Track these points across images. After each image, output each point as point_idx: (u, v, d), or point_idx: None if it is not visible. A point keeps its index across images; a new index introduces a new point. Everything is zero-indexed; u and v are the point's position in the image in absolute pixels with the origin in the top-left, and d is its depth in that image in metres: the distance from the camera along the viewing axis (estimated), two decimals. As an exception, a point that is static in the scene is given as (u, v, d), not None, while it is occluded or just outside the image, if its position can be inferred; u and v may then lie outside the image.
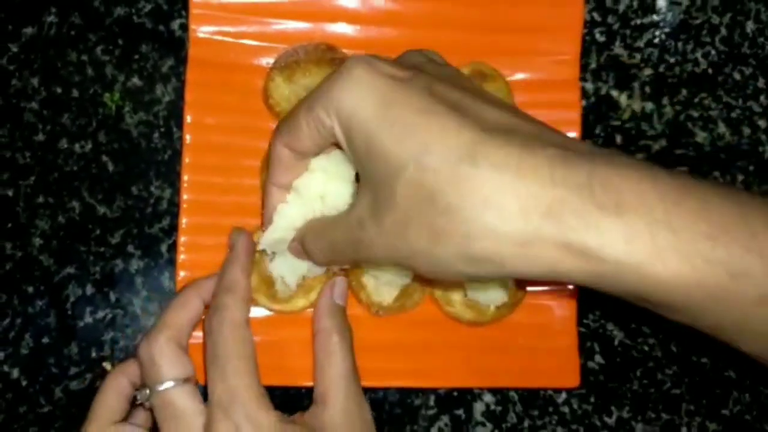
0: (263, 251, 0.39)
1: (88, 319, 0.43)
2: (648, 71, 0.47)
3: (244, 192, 0.42)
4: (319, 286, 0.40)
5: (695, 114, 0.47)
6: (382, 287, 0.42)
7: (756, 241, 0.26)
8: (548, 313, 0.44)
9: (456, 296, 0.42)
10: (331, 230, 0.34)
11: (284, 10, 0.43)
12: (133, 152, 0.44)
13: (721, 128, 0.48)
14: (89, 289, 0.43)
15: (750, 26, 0.48)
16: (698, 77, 0.48)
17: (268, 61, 0.43)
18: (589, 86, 0.47)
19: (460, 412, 0.45)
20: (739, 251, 0.26)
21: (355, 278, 0.41)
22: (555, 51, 0.45)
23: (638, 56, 0.47)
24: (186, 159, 0.42)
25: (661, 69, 0.47)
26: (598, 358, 0.46)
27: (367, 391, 0.39)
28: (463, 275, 0.29)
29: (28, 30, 0.44)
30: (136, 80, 0.44)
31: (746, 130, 0.48)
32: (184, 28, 0.44)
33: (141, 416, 0.39)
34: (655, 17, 0.48)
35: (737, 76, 0.48)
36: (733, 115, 0.48)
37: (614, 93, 0.47)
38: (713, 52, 0.48)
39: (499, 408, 0.45)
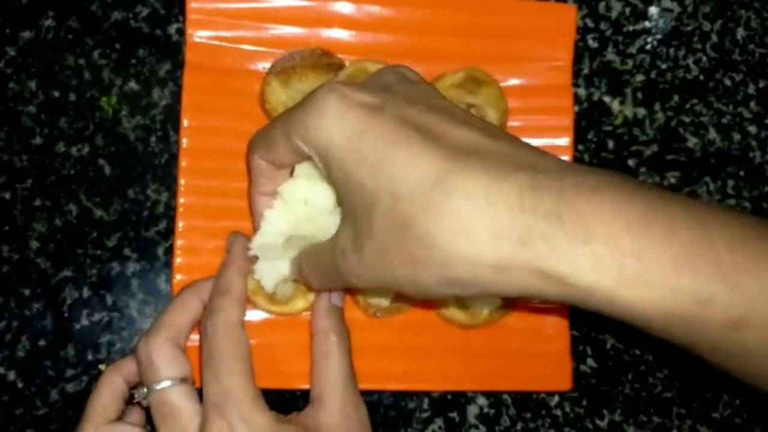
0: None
1: (85, 322, 0.43)
2: (640, 77, 0.48)
3: (241, 195, 0.42)
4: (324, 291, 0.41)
5: (686, 120, 0.48)
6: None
7: (721, 267, 0.26)
8: (541, 316, 0.44)
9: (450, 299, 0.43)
10: (320, 259, 0.35)
11: (281, 16, 0.43)
12: (130, 156, 0.44)
13: (712, 134, 0.48)
14: (86, 292, 0.43)
15: (740, 33, 0.49)
16: (689, 83, 0.48)
17: (264, 65, 0.43)
18: (582, 92, 0.47)
19: (454, 415, 0.45)
20: (704, 279, 0.26)
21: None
22: (548, 57, 0.45)
23: (630, 62, 0.48)
24: (183, 163, 0.42)
25: (653, 75, 0.48)
26: (590, 361, 0.46)
27: (361, 394, 0.39)
28: (448, 295, 0.31)
29: (26, 34, 0.44)
30: (133, 84, 0.44)
31: (737, 136, 0.48)
32: (181, 32, 0.45)
33: (135, 415, 0.39)
34: (647, 24, 0.48)
35: (728, 82, 0.48)
36: (724, 120, 0.48)
37: (607, 99, 0.48)
38: (704, 58, 0.48)
39: (493, 411, 0.45)
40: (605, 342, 0.46)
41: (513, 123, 0.45)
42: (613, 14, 0.48)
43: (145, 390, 0.36)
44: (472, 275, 0.28)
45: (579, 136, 0.47)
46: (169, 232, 0.44)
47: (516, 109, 0.44)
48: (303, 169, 0.36)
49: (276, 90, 0.42)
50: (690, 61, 0.48)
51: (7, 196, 0.43)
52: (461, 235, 0.28)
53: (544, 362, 0.44)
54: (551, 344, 0.44)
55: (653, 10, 0.48)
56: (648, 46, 0.48)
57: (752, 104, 0.48)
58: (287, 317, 0.42)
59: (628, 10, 0.48)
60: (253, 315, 0.42)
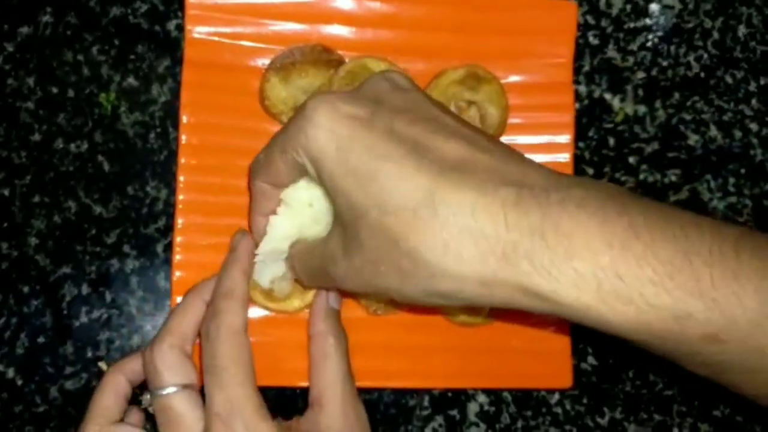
0: None
1: (84, 319, 0.43)
2: (641, 74, 0.48)
3: (240, 192, 0.42)
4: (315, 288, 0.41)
5: (687, 117, 0.48)
6: None
7: (699, 284, 0.26)
8: (541, 314, 0.44)
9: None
10: (311, 260, 0.35)
11: (280, 12, 0.43)
12: (129, 152, 0.44)
13: (713, 131, 0.48)
14: (85, 289, 0.43)
15: (742, 30, 0.49)
16: (690, 81, 0.48)
17: (264, 62, 0.43)
18: (583, 89, 0.47)
19: (455, 412, 0.45)
20: (682, 295, 0.27)
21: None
22: (549, 54, 0.45)
23: (631, 59, 0.48)
24: (182, 159, 0.42)
25: (654, 72, 0.48)
26: (591, 359, 0.46)
27: (362, 391, 0.39)
28: (437, 305, 0.31)
29: (24, 30, 0.44)
30: (131, 80, 0.44)
31: (738, 133, 0.48)
32: (180, 28, 0.44)
33: (134, 415, 0.39)
34: (648, 21, 0.48)
35: (729, 79, 0.48)
36: (725, 118, 0.48)
37: (607, 96, 0.48)
38: (705, 55, 0.48)
39: (493, 408, 0.45)
40: (606, 339, 0.46)
41: (513, 120, 0.45)
42: (614, 11, 0.48)
43: (149, 396, 0.36)
44: (459, 289, 0.29)
45: (580, 134, 0.47)
46: (169, 229, 0.43)
47: (517, 106, 0.44)
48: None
49: (275, 86, 0.42)
50: (691, 58, 0.48)
51: (6, 192, 0.43)
52: (447, 251, 0.28)
53: (544, 360, 0.44)
54: (552, 342, 0.44)
55: (654, 7, 0.48)
56: (649, 43, 0.48)
57: (753, 101, 0.48)
58: (285, 315, 0.42)
59: (629, 7, 0.48)
60: (252, 312, 0.42)
